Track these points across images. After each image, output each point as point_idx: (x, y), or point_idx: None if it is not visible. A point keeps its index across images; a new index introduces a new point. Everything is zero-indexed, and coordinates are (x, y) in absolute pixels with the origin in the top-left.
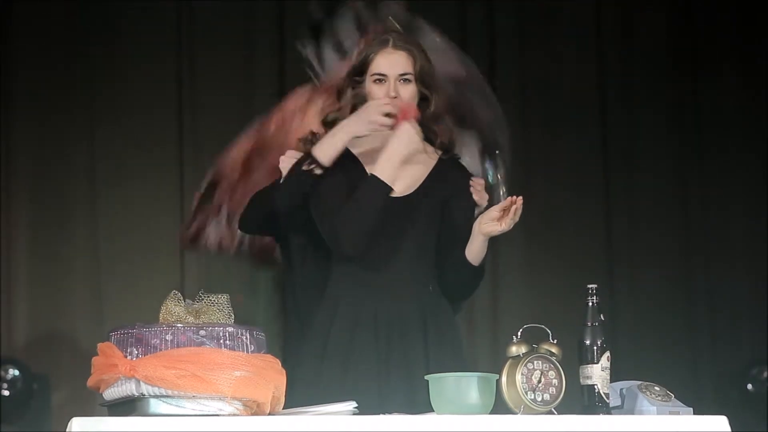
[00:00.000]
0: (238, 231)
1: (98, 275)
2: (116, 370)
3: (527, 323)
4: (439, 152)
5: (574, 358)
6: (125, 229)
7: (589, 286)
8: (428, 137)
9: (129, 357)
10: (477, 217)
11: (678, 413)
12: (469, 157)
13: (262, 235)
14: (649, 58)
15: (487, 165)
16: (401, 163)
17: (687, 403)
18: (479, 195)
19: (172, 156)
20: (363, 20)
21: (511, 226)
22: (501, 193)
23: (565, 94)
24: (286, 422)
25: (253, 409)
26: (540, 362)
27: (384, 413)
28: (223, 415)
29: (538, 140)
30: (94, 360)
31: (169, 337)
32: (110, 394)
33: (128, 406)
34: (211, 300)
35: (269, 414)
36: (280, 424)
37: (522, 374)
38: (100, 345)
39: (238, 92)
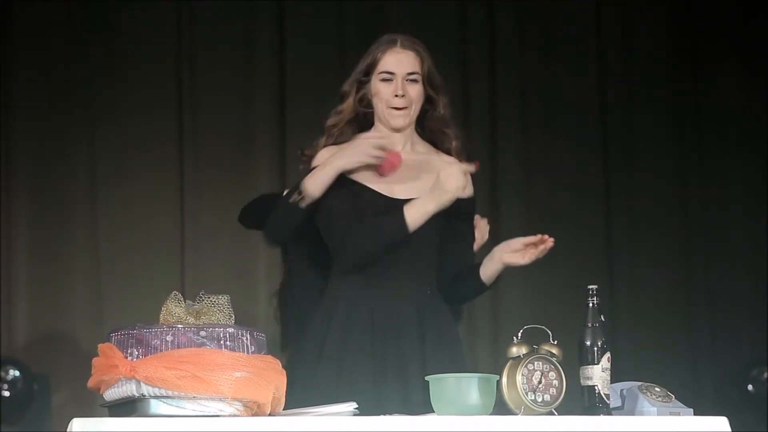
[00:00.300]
0: None
1: (98, 275)
2: (117, 370)
3: (527, 324)
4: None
5: (575, 359)
6: (125, 229)
7: (590, 286)
8: (433, 141)
9: (129, 358)
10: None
11: (678, 414)
12: None
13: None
14: (649, 58)
15: None
16: (434, 212)
17: (687, 404)
18: (480, 233)
19: (172, 156)
20: None
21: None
22: None
23: (565, 94)
24: (286, 423)
25: (254, 409)
26: (540, 363)
27: (382, 414)
28: (224, 416)
29: (538, 140)
30: (95, 361)
31: (169, 338)
32: (111, 394)
33: (129, 407)
34: (211, 301)
35: (269, 415)
36: (281, 425)
37: (522, 375)
38: (100, 346)
39: (238, 92)
